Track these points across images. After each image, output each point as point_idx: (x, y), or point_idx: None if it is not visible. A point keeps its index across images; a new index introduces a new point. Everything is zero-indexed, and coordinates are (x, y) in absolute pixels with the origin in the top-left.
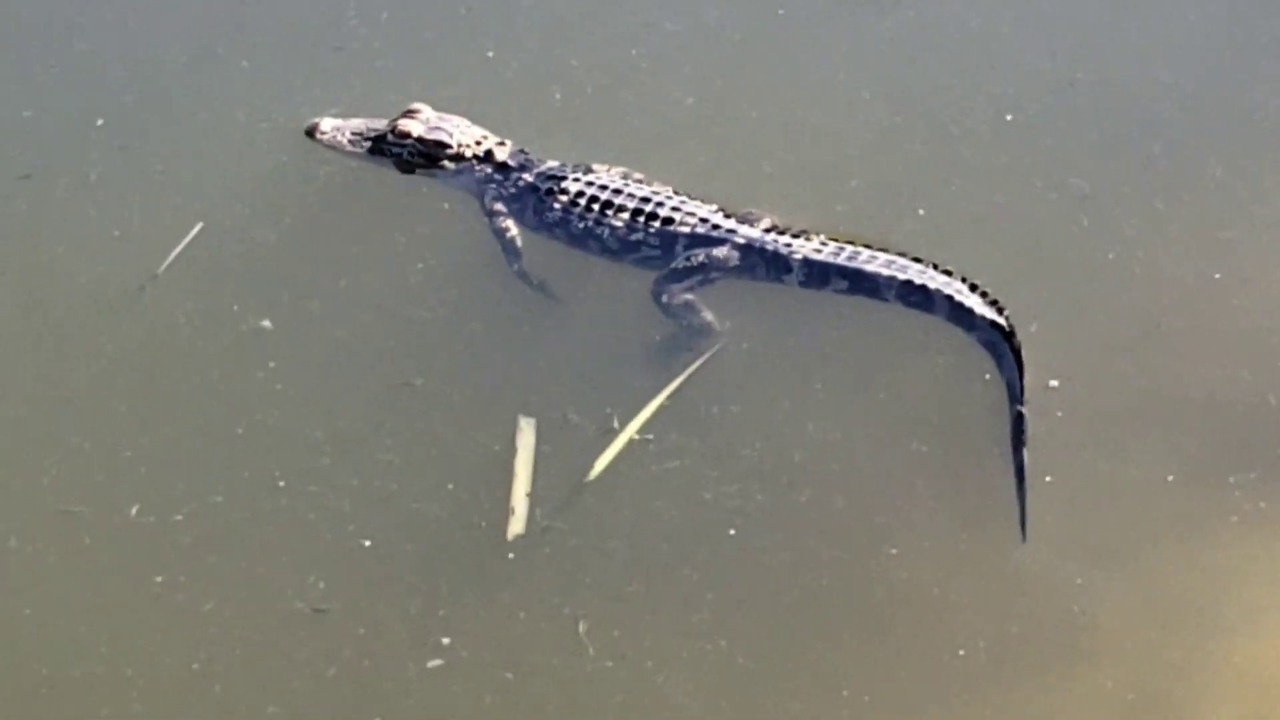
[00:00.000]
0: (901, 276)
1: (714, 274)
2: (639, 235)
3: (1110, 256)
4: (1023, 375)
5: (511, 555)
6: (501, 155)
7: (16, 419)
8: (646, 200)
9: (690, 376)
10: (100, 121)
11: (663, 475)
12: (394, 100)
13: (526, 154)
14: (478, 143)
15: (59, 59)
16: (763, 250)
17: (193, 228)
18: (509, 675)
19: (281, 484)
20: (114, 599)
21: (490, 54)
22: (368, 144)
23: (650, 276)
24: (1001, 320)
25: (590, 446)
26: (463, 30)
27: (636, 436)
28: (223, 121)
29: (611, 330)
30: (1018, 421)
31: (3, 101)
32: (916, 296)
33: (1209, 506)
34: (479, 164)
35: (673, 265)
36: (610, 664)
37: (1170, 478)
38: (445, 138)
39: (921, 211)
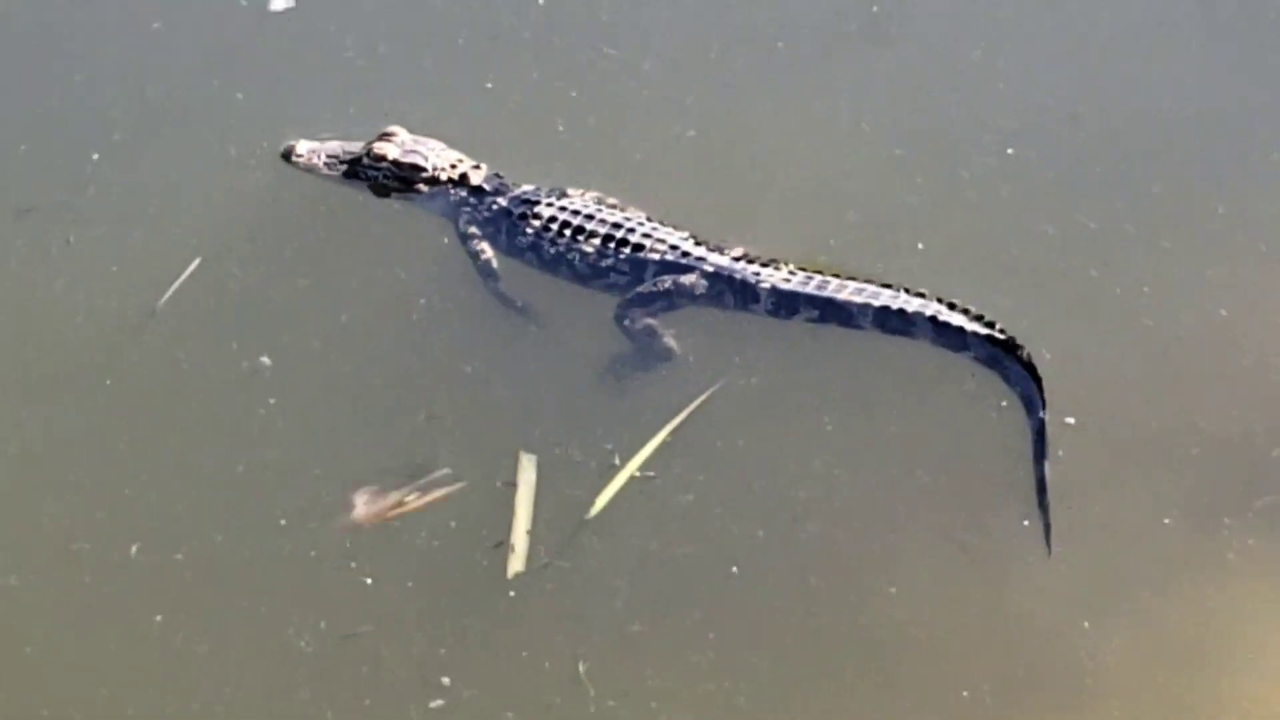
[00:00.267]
0: (875, 303)
1: (680, 300)
2: (609, 261)
3: (1117, 291)
4: (1039, 382)
5: (513, 593)
6: (476, 179)
7: (16, 457)
8: (618, 226)
9: (695, 412)
10: (96, 156)
11: (666, 511)
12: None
13: (501, 178)
14: (453, 166)
15: (55, 93)
16: (730, 279)
17: (191, 263)
18: (510, 715)
19: (283, 522)
20: (114, 638)
21: (489, 85)
22: (343, 167)
23: None
24: (996, 332)
25: (592, 483)
26: (461, 62)
27: (638, 474)
28: (219, 155)
29: (609, 366)
30: (1039, 431)
31: None
32: (895, 322)
33: (1208, 546)
34: (454, 187)
35: (639, 289)
36: (612, 703)
37: (1169, 518)
38: (420, 161)
39: (921, 246)
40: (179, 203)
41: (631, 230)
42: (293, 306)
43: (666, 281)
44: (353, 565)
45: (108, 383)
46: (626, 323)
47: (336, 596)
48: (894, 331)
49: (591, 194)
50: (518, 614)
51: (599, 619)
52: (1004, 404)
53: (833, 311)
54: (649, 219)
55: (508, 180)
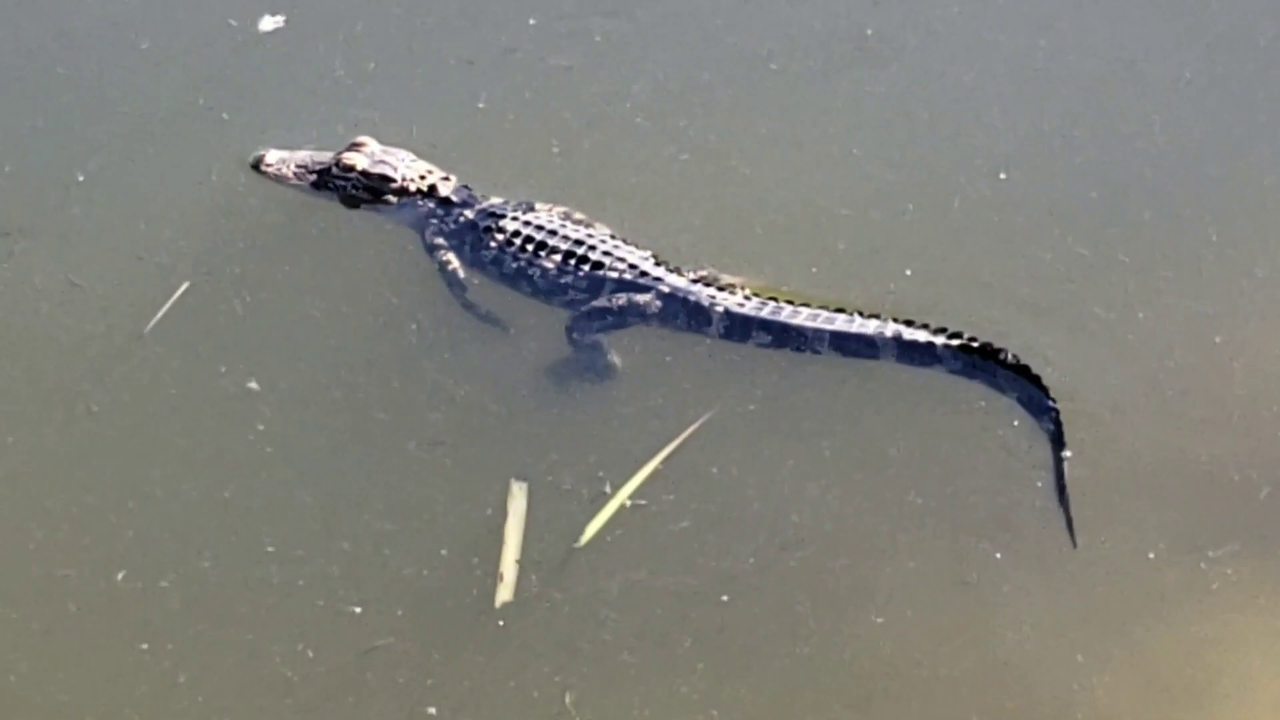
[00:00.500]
0: (830, 328)
1: (631, 319)
2: (568, 278)
3: (1111, 318)
4: (1037, 379)
5: (502, 622)
6: (445, 190)
7: (1, 482)
8: (579, 244)
9: (691, 439)
10: (81, 177)
11: (657, 539)
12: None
13: (470, 190)
14: (422, 177)
15: (41, 113)
16: (685, 300)
17: (179, 287)
18: None
19: (270, 549)
20: (100, 666)
21: (481, 104)
22: (313, 177)
23: None
24: (968, 341)
25: (583, 511)
26: (452, 81)
27: (629, 502)
28: (207, 176)
29: (606, 394)
30: (1055, 422)
31: None
32: (855, 345)
33: (1195, 578)
34: (422, 199)
35: (593, 304)
36: None
37: (1154, 552)
38: (390, 171)
39: (909, 272)
40: (167, 225)
41: (592, 248)
42: (282, 331)
43: (621, 299)
44: (340, 594)
45: (94, 408)
46: (575, 335)
47: (324, 625)
48: (854, 354)
49: (559, 209)
50: (506, 643)
51: (587, 648)
52: (1015, 423)
53: (786, 337)
54: (612, 237)
55: (477, 193)
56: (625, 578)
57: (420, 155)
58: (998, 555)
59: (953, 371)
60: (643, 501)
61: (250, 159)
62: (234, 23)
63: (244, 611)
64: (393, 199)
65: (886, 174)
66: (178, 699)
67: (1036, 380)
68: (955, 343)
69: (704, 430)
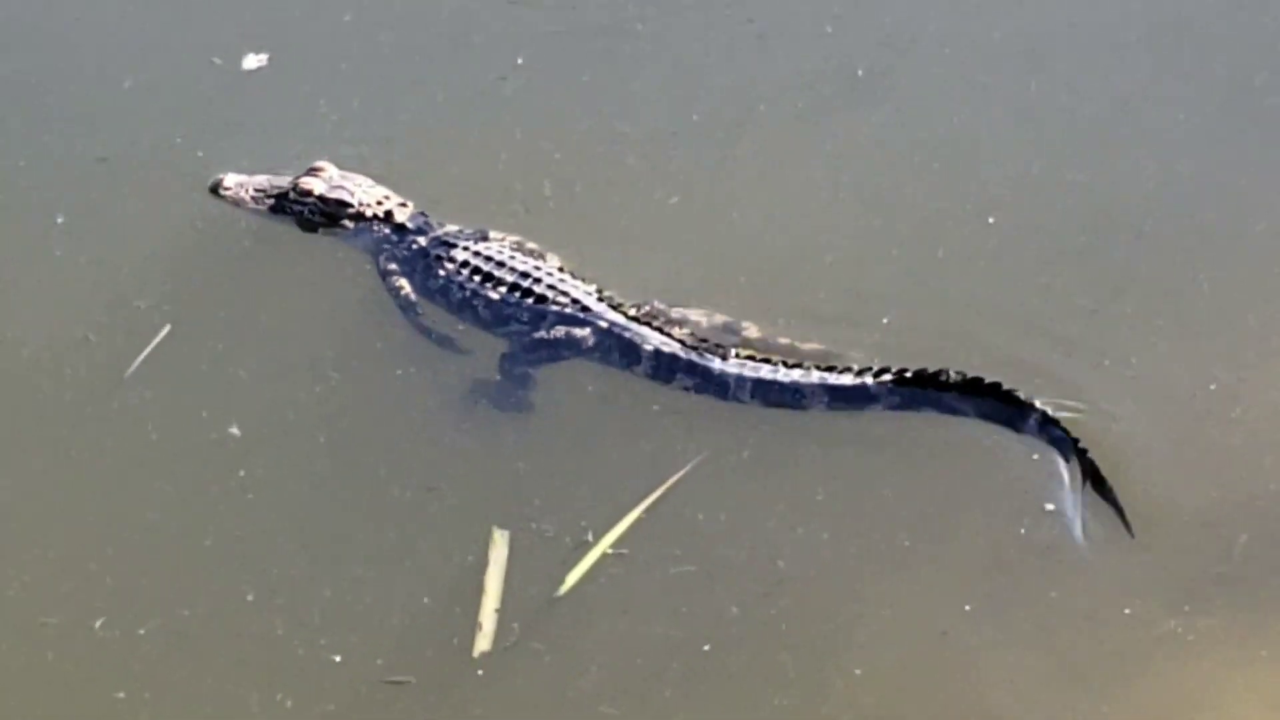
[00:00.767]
0: (753, 375)
1: (566, 353)
2: (511, 310)
3: (1105, 364)
4: (1012, 394)
5: (481, 672)
6: (401, 217)
7: None
8: (525, 276)
9: (677, 486)
10: (61, 219)
11: (639, 588)
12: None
13: (426, 217)
14: (379, 203)
15: (21, 152)
16: (619, 337)
17: (160, 330)
18: None
19: (250, 597)
20: (76, 715)
21: (470, 144)
22: (270, 201)
23: None
24: (898, 373)
25: (566, 559)
26: (439, 121)
27: (610, 551)
28: (189, 217)
29: (591, 441)
30: (1050, 422)
31: None
32: (779, 393)
33: (1173, 627)
34: (377, 224)
35: (534, 335)
36: None
37: (1138, 603)
38: (347, 196)
39: (886, 320)
40: (148, 268)
41: (538, 280)
42: (264, 376)
43: (560, 331)
44: (322, 643)
45: (74, 452)
46: (507, 365)
47: (303, 674)
48: (779, 404)
49: (511, 239)
50: (485, 692)
51: (568, 698)
52: (1017, 465)
53: (708, 383)
54: (560, 269)
55: (432, 220)
56: (606, 627)
57: (390, 186)
58: (979, 605)
59: (891, 408)
60: (625, 550)
61: (209, 183)
62: (218, 61)
63: (223, 660)
64: (349, 224)
65: (874, 217)
66: None
67: (996, 388)
68: (887, 377)
69: (690, 477)
